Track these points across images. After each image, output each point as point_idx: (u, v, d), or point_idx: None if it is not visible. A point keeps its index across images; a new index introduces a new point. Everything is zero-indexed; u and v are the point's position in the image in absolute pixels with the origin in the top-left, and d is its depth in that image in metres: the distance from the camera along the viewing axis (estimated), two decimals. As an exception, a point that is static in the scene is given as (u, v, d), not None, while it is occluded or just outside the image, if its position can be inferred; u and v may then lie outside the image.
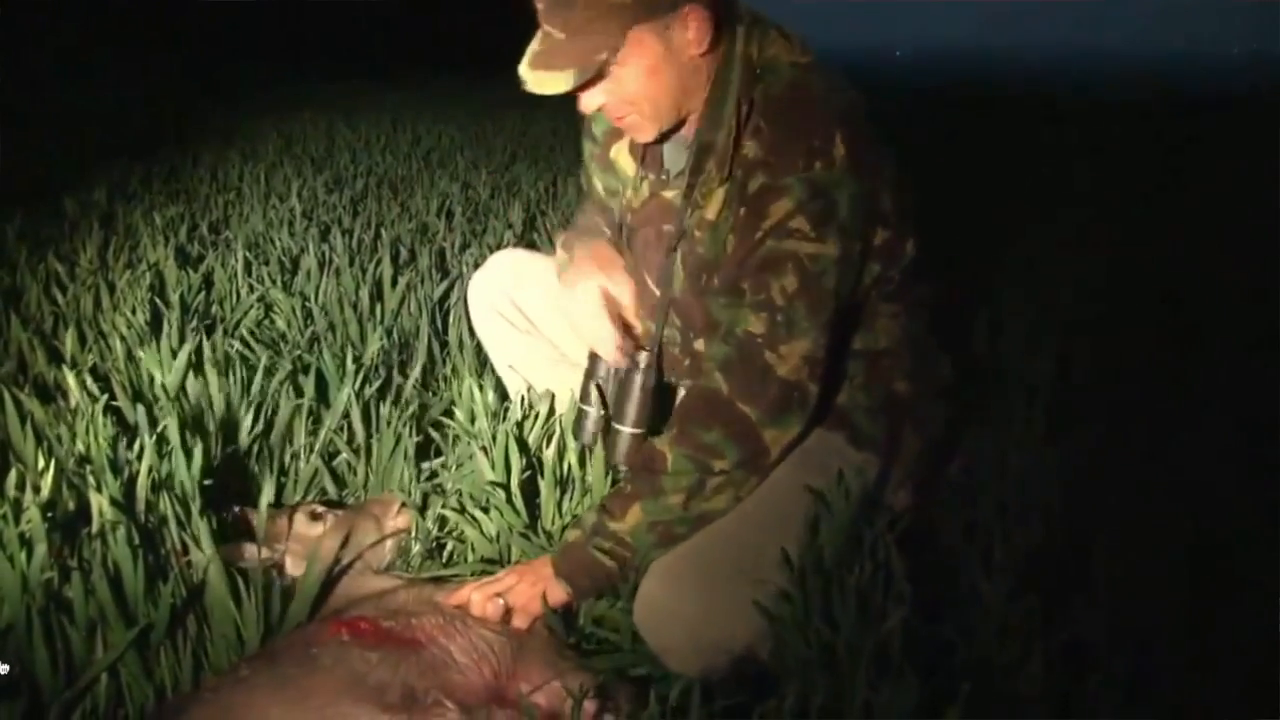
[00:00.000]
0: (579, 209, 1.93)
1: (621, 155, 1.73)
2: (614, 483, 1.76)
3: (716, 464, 1.48)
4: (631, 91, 1.49)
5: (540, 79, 1.45)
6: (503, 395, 2.08)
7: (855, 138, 1.46)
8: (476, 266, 2.95)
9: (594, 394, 1.76)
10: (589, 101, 1.51)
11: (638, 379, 1.66)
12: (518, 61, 1.47)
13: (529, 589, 1.54)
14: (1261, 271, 3.33)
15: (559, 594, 1.54)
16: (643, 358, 1.67)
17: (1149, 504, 1.76)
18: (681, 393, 1.68)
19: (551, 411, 1.95)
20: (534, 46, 1.47)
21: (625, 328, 1.73)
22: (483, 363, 2.28)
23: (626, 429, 1.67)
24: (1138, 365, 2.48)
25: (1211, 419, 2.14)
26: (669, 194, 1.63)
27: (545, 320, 1.94)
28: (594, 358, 1.76)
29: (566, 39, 1.44)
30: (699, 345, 1.61)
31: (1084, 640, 1.37)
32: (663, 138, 1.60)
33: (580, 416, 1.79)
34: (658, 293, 1.67)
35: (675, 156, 1.63)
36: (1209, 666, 1.41)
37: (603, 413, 1.75)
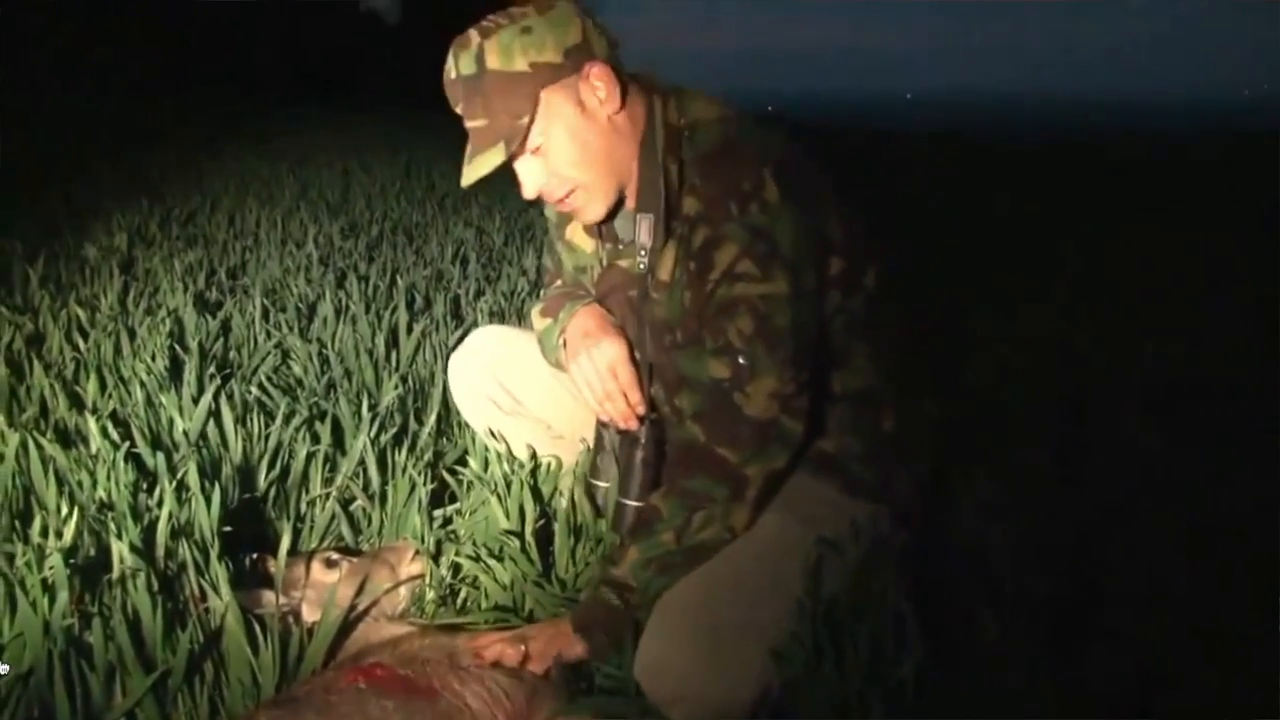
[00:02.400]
0: (544, 282, 1.95)
1: (577, 234, 1.79)
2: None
3: (706, 506, 1.52)
4: (561, 160, 1.54)
5: (474, 167, 1.53)
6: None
7: (786, 175, 1.50)
8: (491, 314, 3.01)
9: (602, 468, 1.79)
10: (528, 183, 1.57)
11: (638, 453, 1.68)
12: None
13: (547, 641, 1.56)
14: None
15: (577, 649, 1.56)
16: (641, 431, 1.69)
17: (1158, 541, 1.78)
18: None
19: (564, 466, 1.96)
20: (467, 150, 1.54)
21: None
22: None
23: (631, 502, 1.69)
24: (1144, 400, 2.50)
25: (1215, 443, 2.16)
26: (624, 262, 1.69)
27: (531, 399, 1.94)
28: (599, 433, 1.78)
29: (488, 123, 1.51)
30: (679, 401, 1.63)
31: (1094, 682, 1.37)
32: (610, 215, 1.64)
33: (592, 491, 1.81)
34: (637, 358, 1.70)
35: (625, 226, 1.68)
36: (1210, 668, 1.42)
37: (610, 485, 1.77)
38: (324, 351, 2.78)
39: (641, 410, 1.70)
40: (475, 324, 2.96)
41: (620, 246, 1.70)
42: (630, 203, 1.63)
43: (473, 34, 1.51)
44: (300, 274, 3.81)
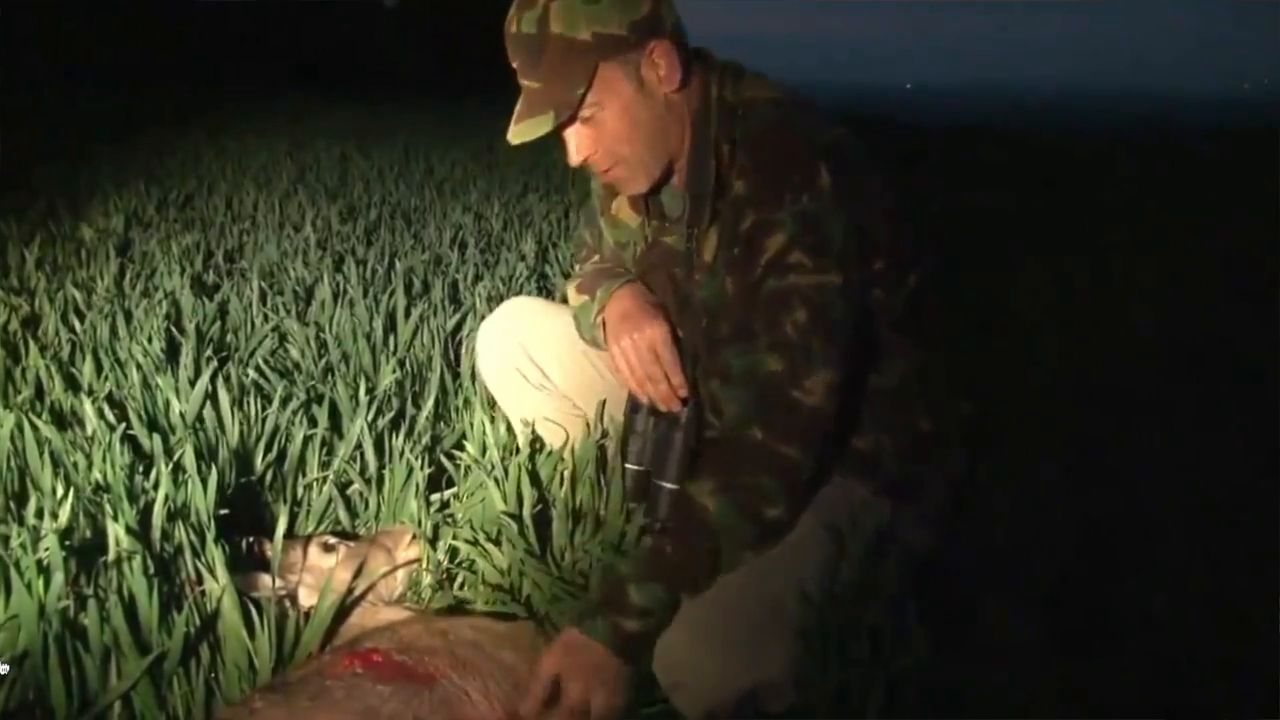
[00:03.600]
0: (580, 256, 1.93)
1: (623, 210, 1.75)
2: (628, 517, 1.76)
3: (768, 511, 1.45)
4: (611, 133, 1.52)
5: (522, 129, 1.51)
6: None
7: (840, 168, 1.48)
8: (489, 299, 2.99)
9: (634, 450, 1.73)
10: (575, 151, 1.55)
11: (679, 435, 1.64)
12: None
13: (584, 688, 1.39)
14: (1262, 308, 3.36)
15: (627, 683, 1.42)
16: (682, 412, 1.65)
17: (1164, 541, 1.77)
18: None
19: (565, 445, 1.95)
20: (517, 107, 1.52)
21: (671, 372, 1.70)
22: (494, 394, 2.30)
23: (668, 484, 1.64)
24: (1155, 398, 2.50)
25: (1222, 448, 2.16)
26: (669, 239, 1.66)
27: (559, 373, 1.91)
28: (631, 414, 1.73)
29: (542, 87, 1.49)
30: (713, 385, 1.61)
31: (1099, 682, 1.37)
32: (655, 189, 1.62)
33: (624, 474, 1.75)
34: (680, 337, 1.67)
35: (672, 203, 1.66)
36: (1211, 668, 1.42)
37: (643, 468, 1.71)
38: (321, 335, 2.77)
39: (684, 392, 1.67)
40: (473, 309, 2.95)
41: (666, 223, 1.67)
42: (679, 179, 1.61)
43: None
44: (298, 257, 3.80)
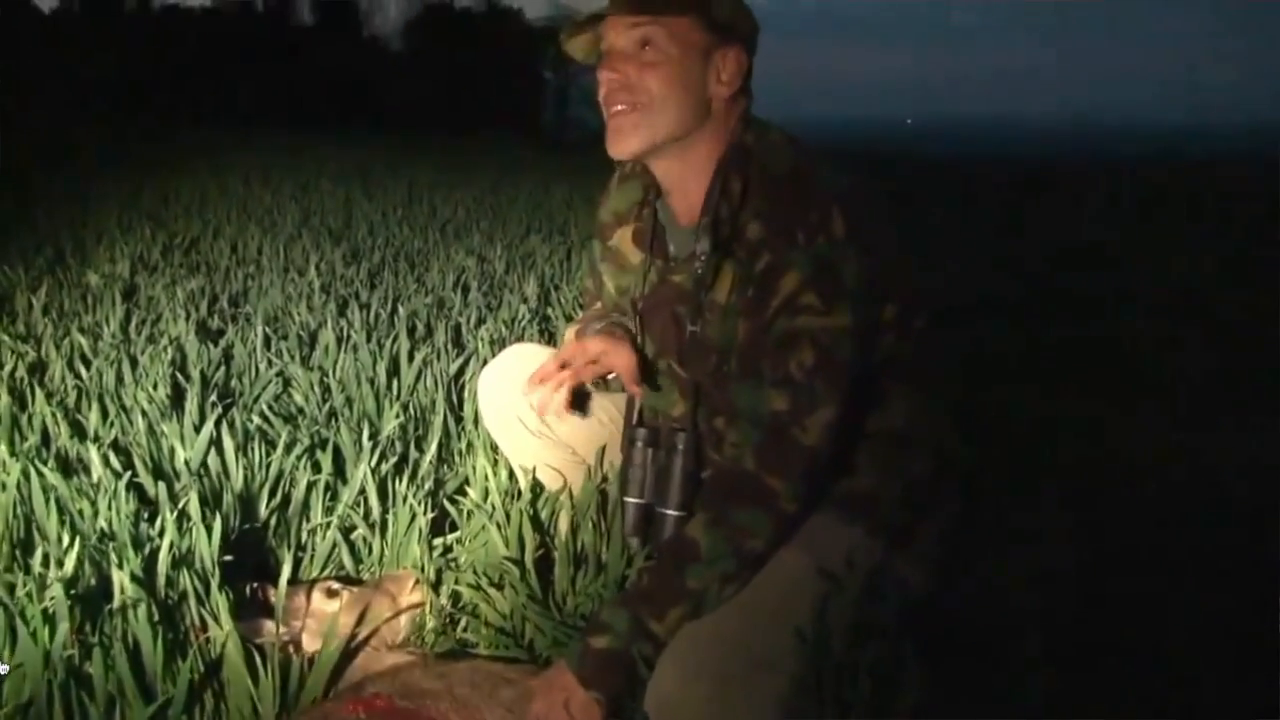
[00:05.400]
0: (585, 303, 1.96)
1: (625, 241, 1.78)
2: (629, 560, 1.77)
3: (749, 543, 1.48)
4: (653, 73, 1.55)
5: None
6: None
7: (854, 215, 1.51)
8: (492, 342, 3.01)
9: (633, 482, 1.74)
10: (612, 64, 1.57)
11: (678, 462, 1.66)
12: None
13: (555, 712, 1.47)
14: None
15: (594, 712, 1.46)
16: (680, 440, 1.67)
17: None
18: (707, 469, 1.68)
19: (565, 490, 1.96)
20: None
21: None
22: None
23: (671, 512, 1.66)
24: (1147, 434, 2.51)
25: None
26: (678, 278, 1.68)
27: (558, 421, 1.92)
28: (629, 447, 1.75)
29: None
30: (717, 423, 1.63)
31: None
32: (654, 217, 1.68)
33: (623, 508, 1.76)
34: (682, 374, 1.70)
35: (680, 242, 1.69)
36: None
37: (644, 501, 1.73)
38: (325, 380, 2.79)
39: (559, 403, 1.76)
40: (476, 352, 2.97)
41: (672, 263, 1.70)
42: (686, 217, 1.65)
43: None
44: (302, 301, 3.83)
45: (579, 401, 1.89)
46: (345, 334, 3.21)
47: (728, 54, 1.56)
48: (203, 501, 1.91)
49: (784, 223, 1.51)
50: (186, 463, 2.15)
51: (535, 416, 1.92)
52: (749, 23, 1.59)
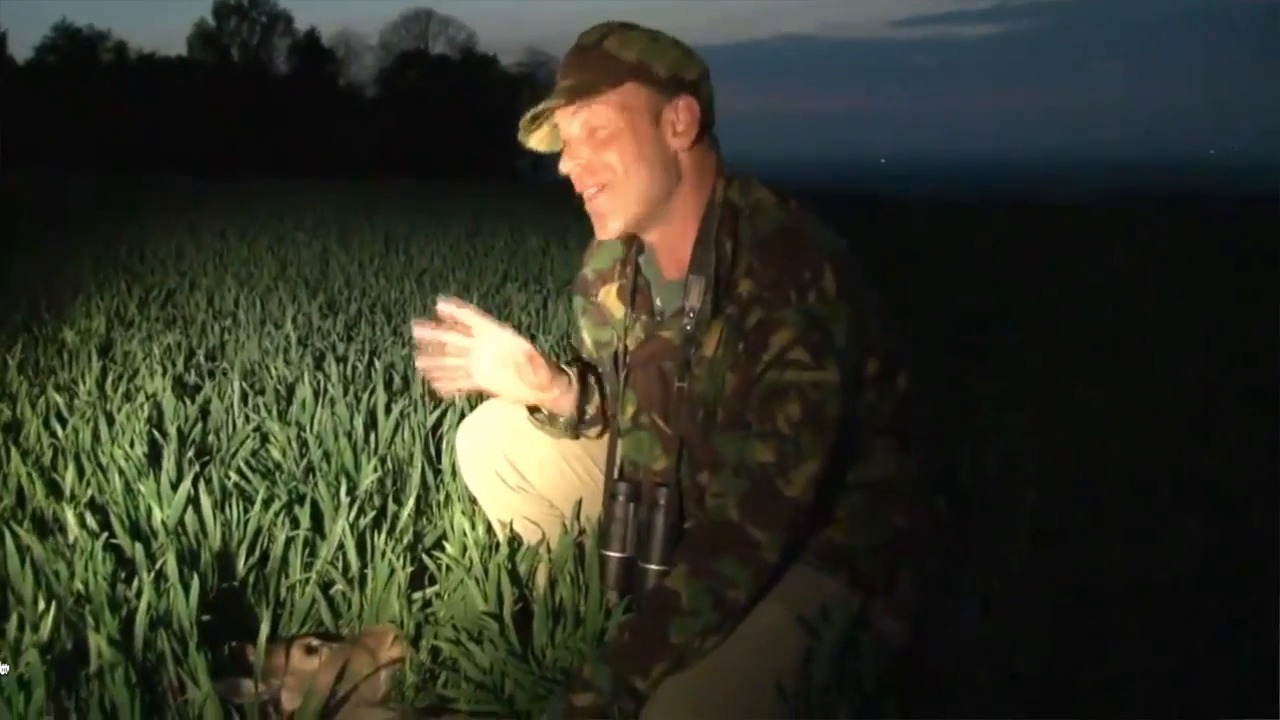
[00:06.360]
0: (569, 359, 1.98)
1: (610, 297, 1.80)
2: (607, 614, 1.78)
3: (730, 593, 1.49)
4: (610, 150, 1.58)
5: (533, 111, 1.60)
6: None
7: (844, 271, 1.54)
8: (469, 395, 3.02)
9: (614, 536, 1.75)
10: (570, 155, 1.61)
11: (660, 518, 1.67)
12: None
13: None
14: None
15: None
16: (662, 495, 1.68)
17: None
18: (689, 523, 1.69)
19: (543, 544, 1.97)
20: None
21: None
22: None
23: (654, 567, 1.66)
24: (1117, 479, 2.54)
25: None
26: (667, 333, 1.69)
27: (537, 475, 1.95)
28: (610, 501, 1.76)
29: (572, 82, 1.58)
30: (702, 478, 1.64)
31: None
32: (636, 270, 1.71)
33: (604, 562, 1.76)
34: (667, 430, 1.71)
35: (667, 297, 1.71)
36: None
37: (625, 555, 1.75)
38: (303, 434, 2.79)
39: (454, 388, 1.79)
40: (453, 404, 2.98)
41: (658, 318, 1.72)
42: (672, 270, 1.68)
43: (615, 22, 1.60)
44: (279, 355, 3.83)
45: (556, 452, 1.91)
46: (323, 388, 3.22)
47: (677, 106, 1.58)
48: (180, 560, 1.90)
49: (776, 280, 1.53)
50: (164, 522, 2.15)
51: (513, 471, 1.94)
52: (693, 68, 1.60)
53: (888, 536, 1.67)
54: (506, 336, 1.76)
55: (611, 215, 1.62)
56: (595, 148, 1.58)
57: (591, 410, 1.88)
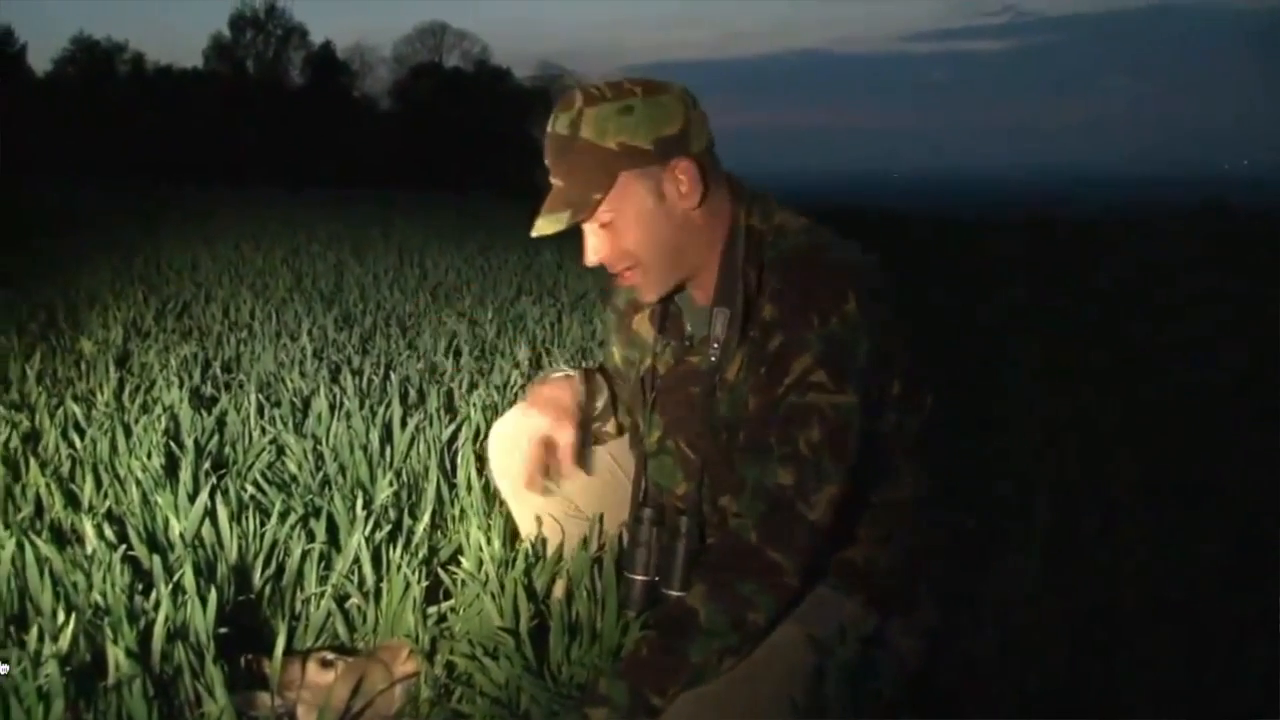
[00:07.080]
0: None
1: (643, 325, 1.81)
2: (624, 629, 1.78)
3: (750, 615, 1.49)
4: (627, 239, 1.59)
5: (542, 224, 1.59)
6: (513, 534, 2.11)
7: (866, 294, 1.54)
8: (484, 408, 3.03)
9: (637, 560, 1.75)
10: (591, 251, 1.62)
11: (681, 545, 1.67)
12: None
13: None
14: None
15: None
16: (683, 523, 1.68)
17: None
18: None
19: (560, 558, 1.97)
20: (545, 201, 1.60)
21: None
22: (490, 500, 2.32)
23: (676, 593, 1.66)
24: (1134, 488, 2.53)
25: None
26: (695, 359, 1.70)
27: (569, 478, 1.93)
28: (634, 525, 1.76)
29: (565, 186, 1.57)
30: (724, 502, 1.64)
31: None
32: (668, 299, 1.69)
33: (628, 585, 1.77)
34: (691, 456, 1.71)
35: (696, 323, 1.72)
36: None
37: (649, 578, 1.74)
38: (319, 448, 2.80)
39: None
40: (468, 418, 2.98)
41: (688, 342, 1.73)
42: (702, 297, 1.68)
43: (577, 96, 1.56)
44: (295, 368, 3.85)
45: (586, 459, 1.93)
46: (338, 401, 3.23)
47: (675, 173, 1.57)
48: (197, 573, 1.91)
49: (798, 303, 1.54)
50: (181, 534, 2.16)
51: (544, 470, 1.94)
52: (673, 120, 1.56)
53: (907, 556, 1.68)
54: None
55: (649, 288, 1.65)
56: (612, 239, 1.60)
57: (600, 405, 1.92)
